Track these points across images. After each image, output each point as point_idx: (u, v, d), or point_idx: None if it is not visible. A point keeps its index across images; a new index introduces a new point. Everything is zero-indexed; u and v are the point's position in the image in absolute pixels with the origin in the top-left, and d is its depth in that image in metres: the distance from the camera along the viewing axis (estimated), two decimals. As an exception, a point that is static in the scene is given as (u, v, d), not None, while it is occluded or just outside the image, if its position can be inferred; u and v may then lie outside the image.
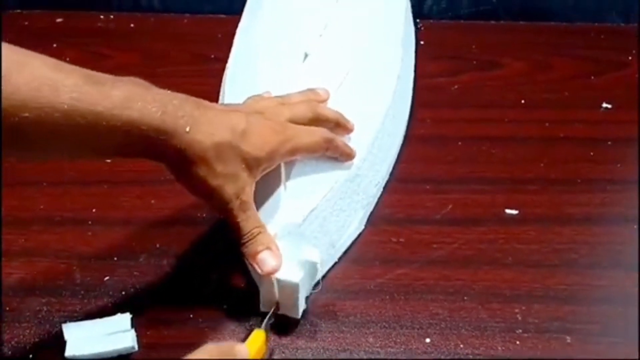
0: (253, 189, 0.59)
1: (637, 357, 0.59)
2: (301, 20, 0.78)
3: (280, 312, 0.60)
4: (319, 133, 0.64)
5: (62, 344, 0.58)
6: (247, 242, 0.59)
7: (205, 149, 0.55)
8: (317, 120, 0.65)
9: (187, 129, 0.54)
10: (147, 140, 0.53)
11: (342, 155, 0.66)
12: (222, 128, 0.56)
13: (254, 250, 0.59)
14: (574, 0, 0.98)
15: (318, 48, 0.74)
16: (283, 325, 0.61)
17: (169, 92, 0.55)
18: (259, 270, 0.58)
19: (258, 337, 0.56)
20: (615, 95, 0.85)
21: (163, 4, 0.99)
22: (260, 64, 0.73)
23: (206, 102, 0.58)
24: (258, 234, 0.59)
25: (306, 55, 0.73)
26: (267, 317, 0.59)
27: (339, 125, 0.67)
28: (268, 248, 0.59)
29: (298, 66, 0.72)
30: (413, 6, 0.89)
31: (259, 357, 0.55)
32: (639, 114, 0.81)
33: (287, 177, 0.63)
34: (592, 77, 0.88)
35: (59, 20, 0.95)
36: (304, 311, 0.61)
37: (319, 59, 0.73)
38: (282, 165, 0.63)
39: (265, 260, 0.59)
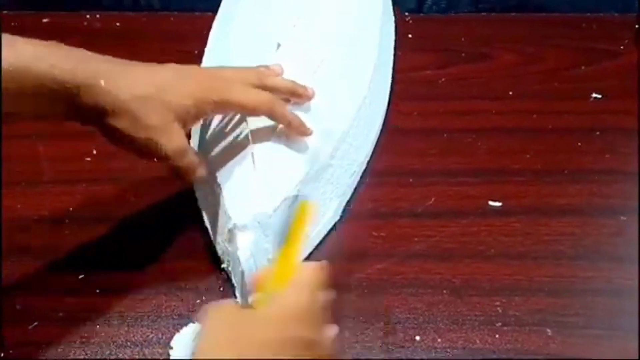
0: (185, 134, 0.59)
1: (636, 355, 0.58)
2: (275, 11, 0.77)
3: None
4: (257, 93, 0.61)
5: (36, 343, 0.58)
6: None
7: (123, 101, 0.54)
8: (263, 89, 0.63)
9: (102, 82, 0.53)
10: (60, 95, 0.52)
11: (293, 129, 0.63)
12: (144, 82, 0.56)
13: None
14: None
15: (291, 38, 0.73)
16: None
17: (91, 53, 0.55)
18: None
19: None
20: (606, 86, 0.83)
21: (162, 3, 0.99)
22: (234, 56, 0.73)
23: (135, 63, 0.57)
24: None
25: (279, 46, 0.72)
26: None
27: (295, 94, 0.65)
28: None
29: (270, 56, 0.71)
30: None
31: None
32: (638, 104, 0.80)
33: (258, 167, 0.62)
34: (583, 68, 0.86)
35: (45, 20, 0.95)
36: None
37: (291, 49, 0.72)
38: (253, 153, 0.62)
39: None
